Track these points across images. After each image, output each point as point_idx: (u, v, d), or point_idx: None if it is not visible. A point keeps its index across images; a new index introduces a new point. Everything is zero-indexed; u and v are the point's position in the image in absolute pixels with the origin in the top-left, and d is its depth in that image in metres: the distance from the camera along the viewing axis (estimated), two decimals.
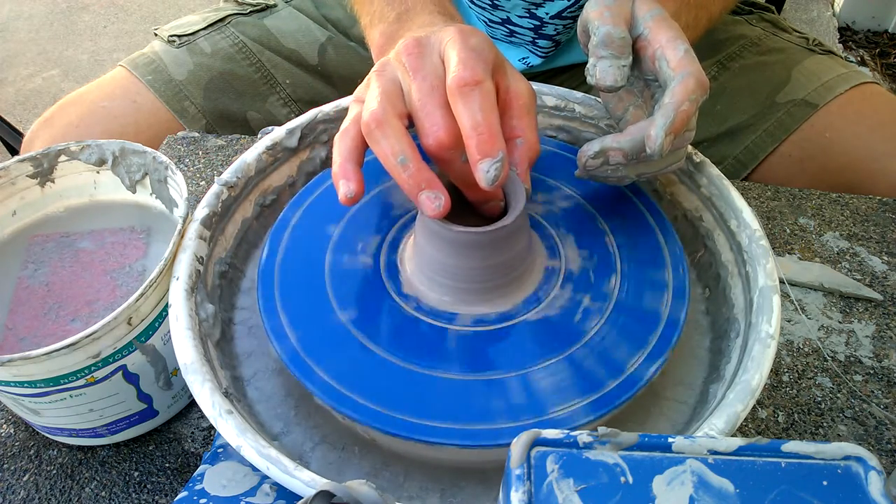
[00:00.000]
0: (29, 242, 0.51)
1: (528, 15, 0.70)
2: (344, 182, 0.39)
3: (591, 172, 0.44)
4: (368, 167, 0.49)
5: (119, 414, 0.46)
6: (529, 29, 0.71)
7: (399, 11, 0.52)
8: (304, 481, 0.33)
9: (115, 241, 0.51)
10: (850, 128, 0.72)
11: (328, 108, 0.52)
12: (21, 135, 1.13)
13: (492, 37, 0.77)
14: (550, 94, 0.52)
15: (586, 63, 0.42)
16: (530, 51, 0.76)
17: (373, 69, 0.43)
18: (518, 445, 0.24)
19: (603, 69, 0.41)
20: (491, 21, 0.73)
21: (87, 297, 0.48)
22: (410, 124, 0.40)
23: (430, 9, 0.51)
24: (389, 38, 0.51)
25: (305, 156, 0.52)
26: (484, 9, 0.72)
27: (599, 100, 0.51)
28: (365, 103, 0.40)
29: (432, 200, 0.38)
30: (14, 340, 0.45)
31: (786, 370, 0.52)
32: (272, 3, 0.84)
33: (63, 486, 0.47)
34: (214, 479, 0.40)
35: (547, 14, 0.69)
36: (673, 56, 0.40)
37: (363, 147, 0.41)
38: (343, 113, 0.51)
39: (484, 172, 0.37)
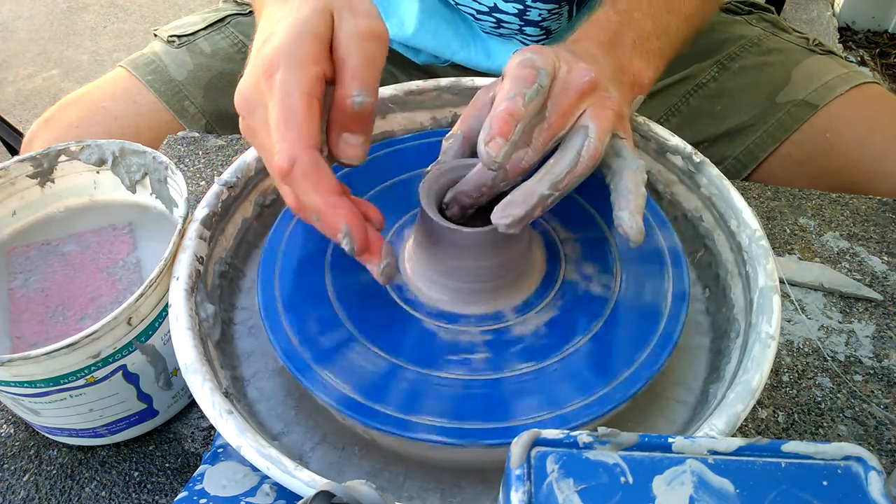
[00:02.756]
0: (9, 254, 0.51)
1: None
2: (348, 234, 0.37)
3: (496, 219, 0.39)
4: (368, 167, 0.49)
5: (119, 414, 0.46)
6: (515, 14, 0.71)
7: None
8: (304, 481, 0.33)
9: (100, 241, 0.51)
10: (851, 128, 0.72)
11: None
12: (21, 135, 1.13)
13: (481, 30, 0.76)
14: None
15: None
16: (520, 41, 0.75)
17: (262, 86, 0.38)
18: (518, 445, 0.24)
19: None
20: (478, 12, 0.73)
21: (89, 295, 0.48)
22: None
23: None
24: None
25: None
26: None
27: None
28: (265, 152, 0.39)
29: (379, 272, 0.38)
30: (26, 347, 0.45)
31: (786, 370, 0.52)
32: None
33: (63, 486, 0.47)
34: (214, 479, 0.40)
35: None
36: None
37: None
38: None
39: (347, 247, 0.36)
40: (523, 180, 0.40)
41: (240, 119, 0.40)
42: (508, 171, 0.40)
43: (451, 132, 0.44)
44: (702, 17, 0.56)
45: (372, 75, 0.38)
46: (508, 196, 0.39)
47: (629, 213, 0.39)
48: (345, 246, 0.37)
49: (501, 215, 0.38)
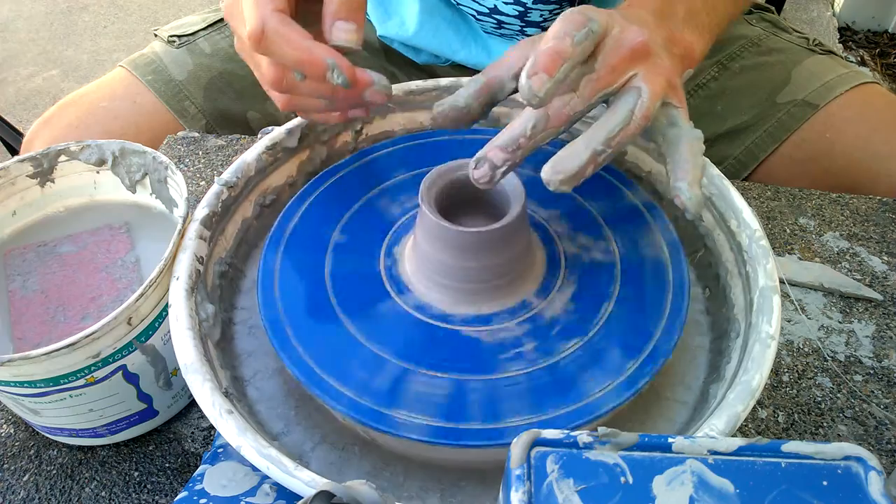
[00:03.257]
0: (5, 257, 0.51)
1: (512, 1, 0.69)
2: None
3: (547, 172, 0.39)
4: (367, 167, 0.49)
5: (119, 414, 0.46)
6: (515, 17, 0.71)
7: None
8: (304, 481, 0.33)
9: (98, 241, 0.51)
10: (851, 128, 0.72)
11: None
12: (21, 135, 1.13)
13: (483, 31, 0.76)
14: None
15: None
16: None
17: None
18: (518, 445, 0.24)
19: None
20: (479, 13, 0.73)
21: (89, 294, 0.48)
22: None
23: None
24: None
25: (305, 156, 0.52)
26: None
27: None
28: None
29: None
30: (28, 348, 0.45)
31: (786, 370, 0.52)
32: None
33: (63, 486, 0.47)
34: (214, 479, 0.40)
35: None
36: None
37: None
38: None
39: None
40: (558, 145, 0.38)
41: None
42: (551, 119, 0.38)
43: (473, 77, 0.42)
44: (732, 13, 0.55)
45: None
46: (558, 154, 0.37)
47: (687, 184, 0.37)
48: (337, 80, 0.39)
49: (553, 171, 0.36)
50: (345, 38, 0.41)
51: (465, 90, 0.42)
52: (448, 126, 0.43)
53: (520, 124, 0.38)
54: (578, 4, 0.72)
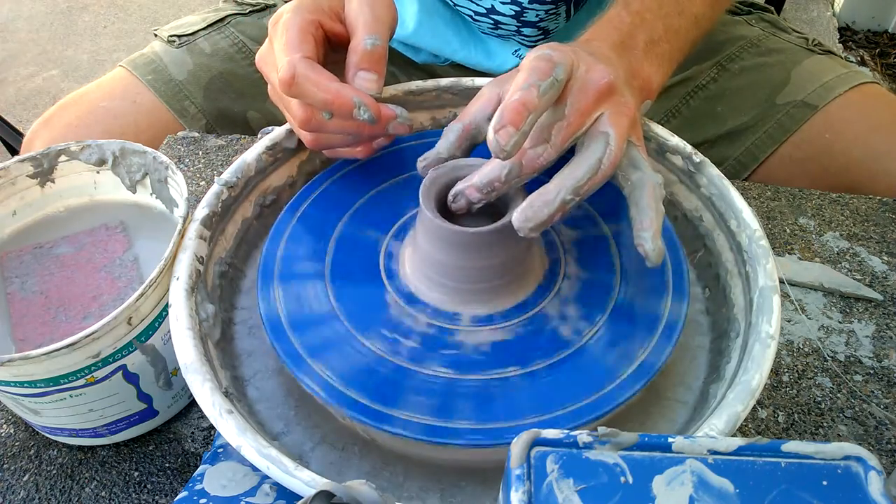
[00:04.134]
0: (2, 260, 0.51)
1: (509, 1, 0.69)
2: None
3: (516, 221, 0.40)
4: (366, 167, 0.49)
5: (119, 414, 0.46)
6: (511, 16, 0.71)
7: None
8: (304, 481, 0.33)
9: (94, 240, 0.51)
10: (850, 128, 0.72)
11: None
12: (21, 135, 1.13)
13: (480, 31, 0.76)
14: None
15: None
16: (519, 42, 0.76)
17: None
18: (518, 445, 0.24)
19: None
20: (476, 13, 0.73)
21: (90, 294, 0.48)
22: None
23: None
24: None
25: (305, 156, 0.52)
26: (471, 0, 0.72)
27: None
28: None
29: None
30: (30, 349, 0.45)
31: (786, 370, 0.52)
32: (272, 2, 0.84)
33: (63, 486, 0.47)
34: (214, 479, 0.40)
35: None
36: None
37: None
38: None
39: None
40: (532, 183, 0.40)
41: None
42: (524, 167, 0.40)
43: (450, 124, 0.45)
44: (711, 18, 0.56)
45: (380, 28, 0.45)
46: (528, 200, 0.38)
47: (651, 235, 0.39)
48: (363, 116, 0.42)
49: (523, 219, 0.38)
50: (367, 87, 0.44)
51: (445, 141, 0.44)
52: None
53: (495, 169, 0.40)
54: (575, 5, 0.72)
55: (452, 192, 0.41)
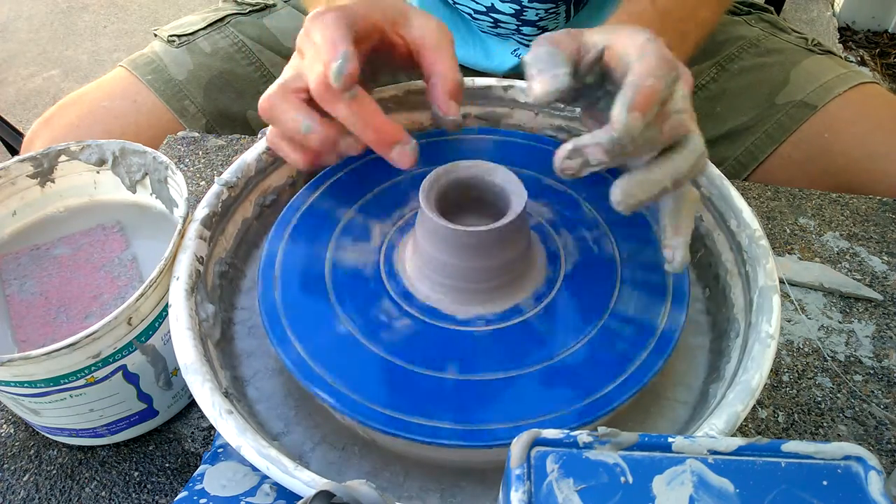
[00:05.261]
0: None
1: None
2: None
3: (616, 194, 0.38)
4: (367, 167, 0.49)
5: (119, 414, 0.46)
6: (511, 15, 0.71)
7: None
8: (304, 481, 0.33)
9: (92, 241, 0.51)
10: (850, 128, 0.72)
11: None
12: (21, 135, 1.14)
13: (479, 30, 0.76)
14: None
15: None
16: (518, 41, 0.76)
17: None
18: (518, 445, 0.24)
19: (536, 81, 0.37)
20: (476, 12, 0.73)
21: (90, 293, 0.48)
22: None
23: None
24: None
25: None
26: None
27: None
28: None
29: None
30: (33, 350, 0.45)
31: (786, 370, 0.52)
32: (271, 2, 0.84)
33: (63, 486, 0.47)
34: (214, 479, 0.40)
35: None
36: (632, 45, 0.38)
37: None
38: None
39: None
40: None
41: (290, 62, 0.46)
42: (638, 150, 0.38)
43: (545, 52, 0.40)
44: (713, 22, 0.56)
45: (455, 88, 0.46)
46: (628, 179, 0.37)
47: (683, 243, 0.39)
48: (397, 159, 0.44)
49: (624, 198, 0.37)
50: (453, 114, 0.46)
51: (559, 64, 0.38)
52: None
53: (617, 137, 0.36)
54: (575, 5, 0.72)
55: (569, 147, 0.37)
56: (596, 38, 0.39)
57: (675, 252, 0.39)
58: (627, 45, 0.38)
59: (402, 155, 0.44)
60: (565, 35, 0.40)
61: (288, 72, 0.46)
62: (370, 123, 0.43)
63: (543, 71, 0.37)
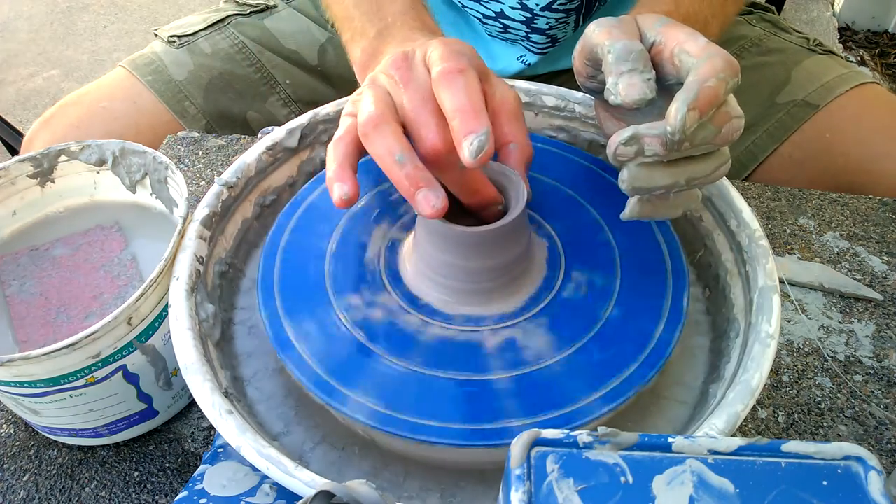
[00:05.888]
0: None
1: (519, 6, 0.69)
2: (339, 185, 0.38)
3: (628, 172, 0.37)
4: (367, 167, 0.49)
5: (119, 414, 0.46)
6: (522, 22, 0.71)
7: (380, 28, 0.51)
8: (304, 481, 0.33)
9: (90, 241, 0.51)
10: (851, 128, 0.72)
11: (328, 108, 0.52)
12: (21, 135, 1.14)
13: (487, 34, 0.76)
14: (550, 93, 0.52)
15: None
16: (526, 48, 0.75)
17: (363, 84, 0.43)
18: (518, 445, 0.24)
19: (628, 83, 0.37)
20: (485, 16, 0.73)
21: (90, 293, 0.48)
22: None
23: (410, 24, 0.51)
24: (372, 55, 0.51)
25: (305, 156, 0.52)
26: (479, 1, 0.72)
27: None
28: (360, 110, 0.40)
29: (429, 200, 0.37)
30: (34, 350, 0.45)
31: (786, 370, 0.52)
32: (272, 3, 0.84)
33: (63, 486, 0.47)
34: (214, 479, 0.40)
35: (537, 5, 0.69)
36: (694, 46, 0.38)
37: (358, 154, 0.41)
38: None
39: (467, 145, 0.36)
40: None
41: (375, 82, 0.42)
42: (695, 148, 0.37)
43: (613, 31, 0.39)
44: (725, 25, 0.56)
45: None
46: (641, 162, 0.37)
47: (682, 101, 0.35)
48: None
49: (630, 181, 0.37)
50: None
51: (646, 67, 0.38)
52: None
53: (671, 131, 0.36)
54: (587, 13, 0.72)
55: (628, 134, 0.36)
56: (650, 30, 0.40)
57: (671, 111, 0.35)
58: (686, 43, 0.38)
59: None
60: (630, 24, 0.40)
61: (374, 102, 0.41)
62: (479, 191, 0.41)
63: (633, 73, 0.37)
